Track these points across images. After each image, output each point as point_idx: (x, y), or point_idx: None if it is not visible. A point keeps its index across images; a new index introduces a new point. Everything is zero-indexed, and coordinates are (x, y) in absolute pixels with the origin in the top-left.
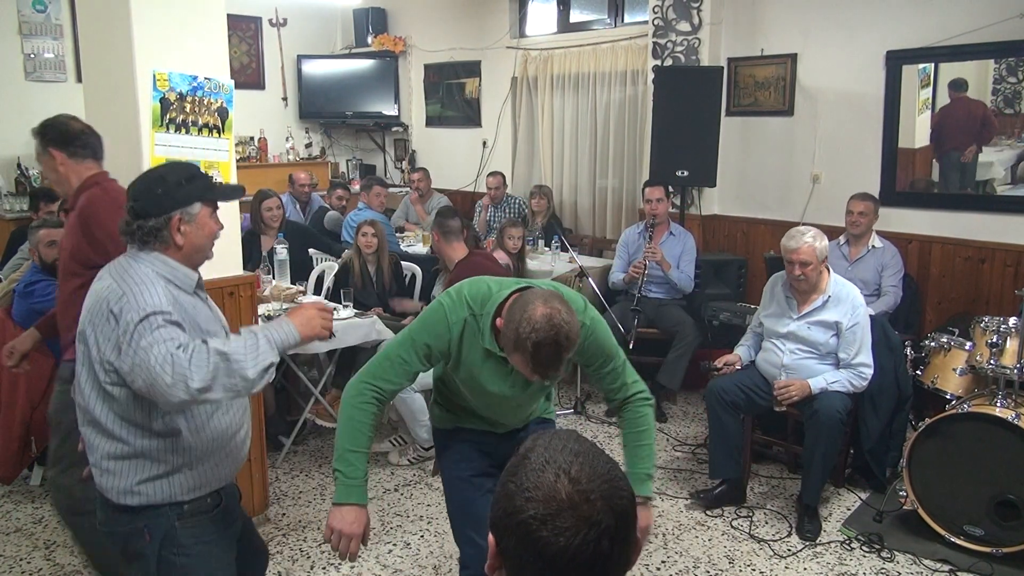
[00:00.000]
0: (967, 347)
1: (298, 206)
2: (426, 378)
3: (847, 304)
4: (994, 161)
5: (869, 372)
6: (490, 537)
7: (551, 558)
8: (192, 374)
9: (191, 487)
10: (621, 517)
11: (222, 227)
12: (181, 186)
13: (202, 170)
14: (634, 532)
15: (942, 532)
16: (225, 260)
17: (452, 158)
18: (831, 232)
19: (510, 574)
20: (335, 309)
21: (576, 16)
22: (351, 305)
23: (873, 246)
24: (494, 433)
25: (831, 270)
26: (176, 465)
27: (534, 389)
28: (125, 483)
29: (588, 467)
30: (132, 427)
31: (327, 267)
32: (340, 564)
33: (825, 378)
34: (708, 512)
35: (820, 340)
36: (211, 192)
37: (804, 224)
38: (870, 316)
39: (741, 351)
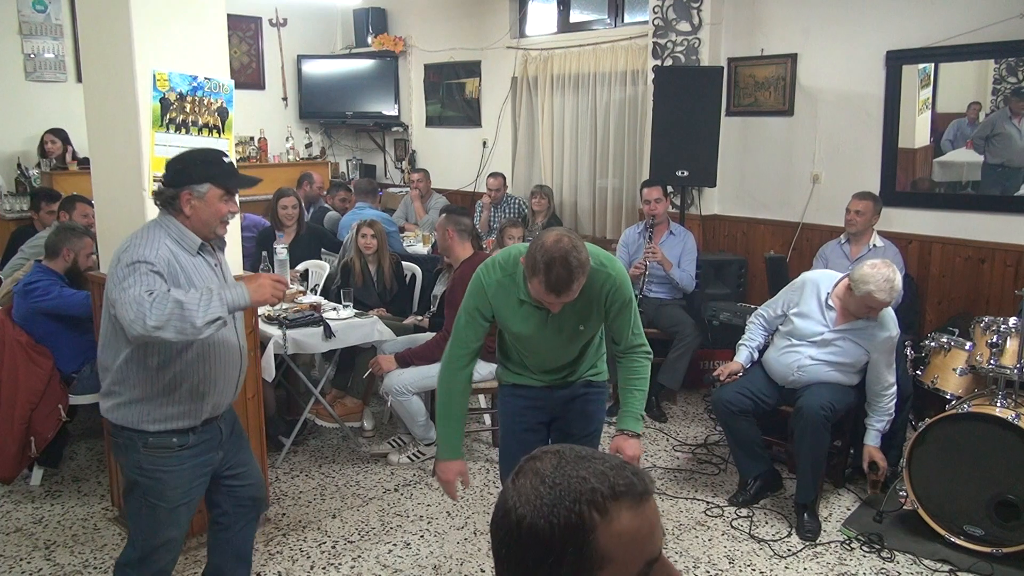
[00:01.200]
0: (967, 347)
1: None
2: (425, 380)
3: (886, 331)
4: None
5: (895, 391)
6: None
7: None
8: (150, 314)
9: (152, 420)
10: (521, 534)
11: (236, 211)
12: (197, 167)
13: (223, 158)
14: (528, 564)
15: (942, 532)
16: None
17: (452, 158)
18: (831, 232)
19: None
20: (291, 283)
21: (576, 16)
22: (351, 305)
23: (874, 245)
24: (547, 389)
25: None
26: (138, 397)
27: (568, 332)
28: (109, 403)
29: (561, 472)
30: (117, 356)
31: (311, 265)
32: (340, 564)
33: (878, 430)
34: (708, 512)
35: (851, 358)
36: (222, 177)
37: (807, 223)
38: None
39: (743, 356)
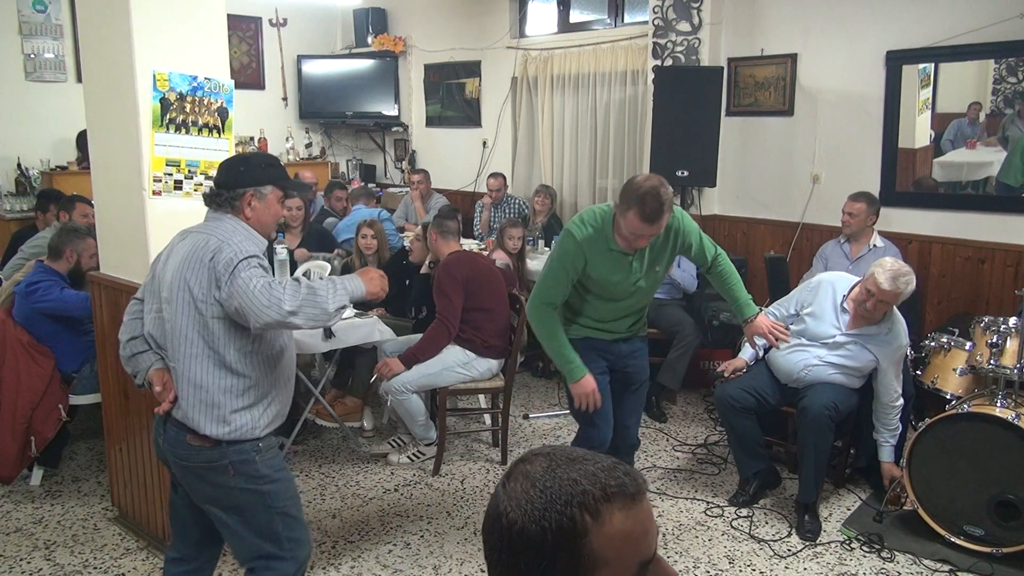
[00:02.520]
0: (967, 347)
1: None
2: (425, 379)
3: (897, 342)
4: (994, 161)
5: (902, 404)
6: None
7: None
8: (285, 300)
9: (267, 422)
10: (512, 539)
11: (287, 214)
12: (260, 169)
13: (280, 163)
14: (520, 568)
15: (942, 532)
16: None
17: (452, 158)
18: (831, 232)
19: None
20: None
21: (576, 16)
22: (351, 305)
23: (874, 245)
24: (613, 343)
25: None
26: (252, 400)
27: (646, 273)
28: (215, 416)
29: (551, 476)
30: (227, 358)
31: (313, 266)
32: (340, 564)
33: (892, 445)
34: (708, 512)
35: (859, 363)
36: (283, 180)
37: (808, 223)
38: None
39: (747, 352)
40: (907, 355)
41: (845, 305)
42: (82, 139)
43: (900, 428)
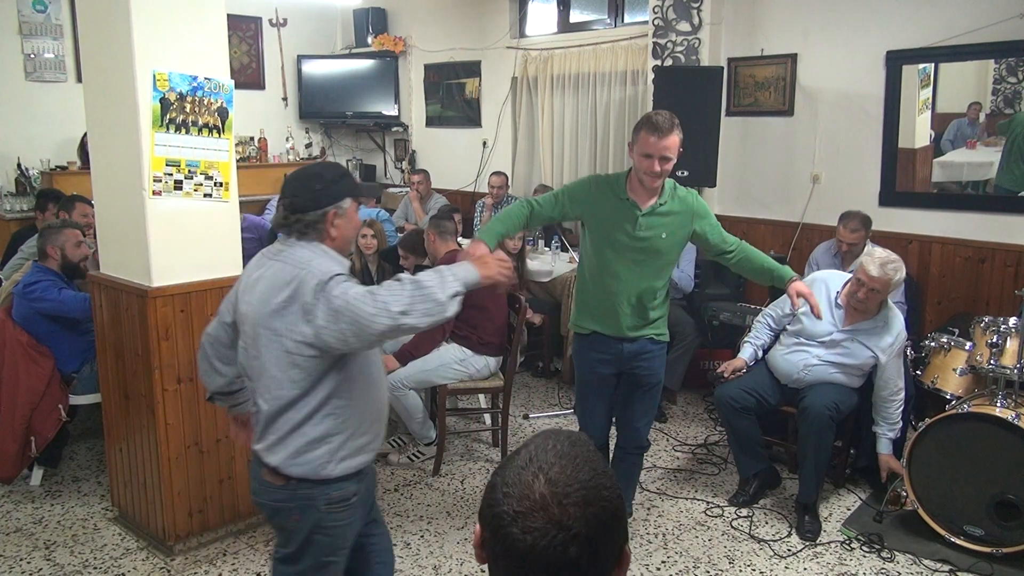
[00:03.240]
0: (967, 347)
1: None
2: (422, 375)
3: (892, 335)
4: (994, 161)
5: (903, 397)
6: (476, 526)
7: (518, 555)
8: (391, 301)
9: (339, 458)
10: (595, 526)
11: (361, 223)
12: (336, 183)
13: (348, 170)
14: (614, 544)
15: (942, 532)
16: (225, 260)
17: (452, 158)
18: (831, 232)
19: (488, 563)
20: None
21: (576, 16)
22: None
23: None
24: (618, 341)
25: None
26: (330, 429)
27: (652, 241)
28: (285, 451)
29: (570, 470)
30: (303, 386)
31: None
32: None
33: (890, 438)
34: (708, 512)
35: (858, 360)
36: (358, 189)
37: (808, 223)
38: None
39: (747, 353)
40: (907, 353)
41: (839, 301)
42: (84, 145)
43: (900, 422)
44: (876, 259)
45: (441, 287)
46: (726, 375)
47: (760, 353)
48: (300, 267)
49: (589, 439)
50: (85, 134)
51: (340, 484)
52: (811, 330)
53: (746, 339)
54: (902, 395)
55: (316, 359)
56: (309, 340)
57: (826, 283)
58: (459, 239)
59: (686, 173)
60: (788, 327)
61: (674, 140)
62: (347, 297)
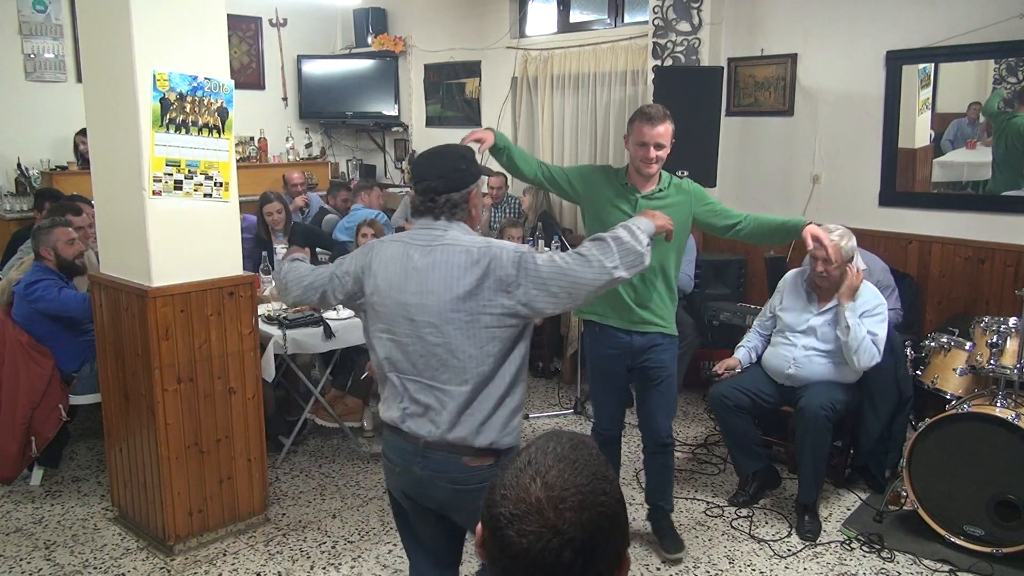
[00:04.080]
0: (967, 347)
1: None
2: None
3: (867, 304)
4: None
5: (876, 351)
6: (479, 525)
7: (512, 557)
8: (604, 258)
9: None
10: (591, 531)
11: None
12: (474, 162)
13: None
14: (612, 549)
15: (942, 532)
16: (225, 260)
17: None
18: None
19: (488, 563)
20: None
21: (576, 16)
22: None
23: (857, 270)
24: (627, 334)
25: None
26: (519, 400)
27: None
28: (502, 421)
29: (567, 474)
30: (510, 368)
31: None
32: (340, 564)
33: (861, 324)
34: (708, 512)
35: (840, 341)
36: (482, 169)
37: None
38: None
39: (741, 353)
40: (907, 353)
41: (809, 288)
42: (76, 144)
43: (869, 347)
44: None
45: (635, 239)
46: (720, 373)
47: (754, 355)
48: (481, 246)
49: (593, 442)
50: (77, 133)
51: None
52: (792, 322)
53: (740, 344)
54: (875, 360)
55: (511, 328)
56: (510, 311)
57: (795, 277)
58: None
59: (686, 173)
60: (774, 330)
61: (667, 128)
62: (556, 263)
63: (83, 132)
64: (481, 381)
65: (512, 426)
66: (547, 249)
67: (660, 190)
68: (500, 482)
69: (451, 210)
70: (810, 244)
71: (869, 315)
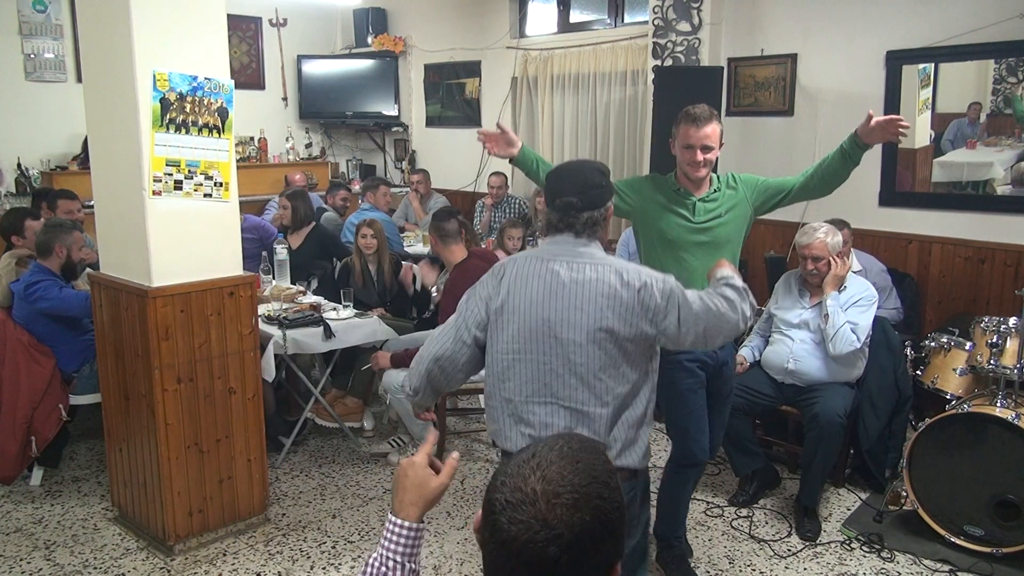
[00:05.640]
0: (967, 347)
1: None
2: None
3: (856, 296)
4: (994, 161)
5: (855, 339)
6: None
7: (500, 543)
8: (745, 306)
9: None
10: (580, 532)
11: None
12: (609, 180)
13: None
14: (602, 556)
15: (942, 532)
16: (225, 260)
17: (452, 158)
18: None
19: (481, 546)
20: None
21: (576, 16)
22: (352, 305)
23: (852, 271)
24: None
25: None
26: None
27: (711, 223)
28: (643, 444)
29: (567, 472)
30: (642, 388)
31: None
32: (340, 564)
33: (841, 312)
34: (708, 512)
35: None
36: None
37: (806, 223)
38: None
39: (745, 352)
40: (907, 354)
41: (801, 286)
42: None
43: (848, 335)
44: (803, 229)
45: (748, 293)
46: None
47: (757, 354)
48: (631, 271)
49: (604, 449)
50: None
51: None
52: (786, 319)
53: (743, 344)
54: (856, 345)
55: (645, 354)
56: (650, 339)
57: (787, 278)
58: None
59: None
60: (772, 331)
61: (714, 128)
62: (706, 303)
63: None
64: (619, 403)
65: (648, 448)
66: None
67: (715, 191)
68: (504, 469)
69: (592, 228)
70: (873, 121)
71: (854, 305)
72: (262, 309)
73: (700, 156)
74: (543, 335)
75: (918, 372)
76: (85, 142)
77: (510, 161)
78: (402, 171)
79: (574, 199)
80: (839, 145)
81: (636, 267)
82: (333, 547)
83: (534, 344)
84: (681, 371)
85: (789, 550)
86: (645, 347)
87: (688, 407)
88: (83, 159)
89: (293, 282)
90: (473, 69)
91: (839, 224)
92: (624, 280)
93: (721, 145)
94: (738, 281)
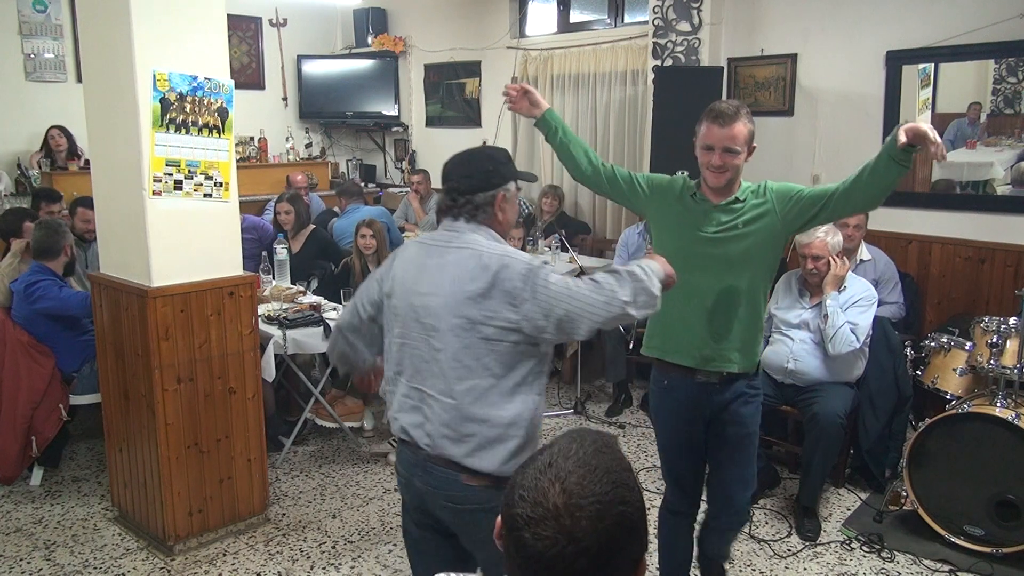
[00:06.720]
0: (967, 347)
1: None
2: None
3: (855, 296)
4: (994, 161)
5: (854, 339)
6: (499, 517)
7: (527, 559)
8: (618, 290)
9: (528, 451)
10: (607, 540)
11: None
12: (504, 165)
13: None
14: (628, 556)
15: (942, 532)
16: (225, 260)
17: None
18: None
19: (504, 556)
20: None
21: (576, 16)
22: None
23: (861, 260)
24: (703, 387)
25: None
26: (537, 426)
27: (728, 234)
28: (507, 452)
29: (587, 480)
30: (511, 385)
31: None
32: (340, 564)
33: (840, 312)
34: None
35: None
36: (520, 174)
37: None
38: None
39: None
40: (907, 354)
41: (801, 286)
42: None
43: (848, 336)
44: (805, 233)
45: (651, 281)
46: None
47: None
48: (497, 254)
49: (617, 445)
50: (49, 129)
51: None
52: (786, 319)
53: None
54: (855, 346)
55: (514, 345)
56: (514, 326)
57: (787, 279)
58: None
59: (686, 172)
60: (772, 330)
61: (741, 128)
62: (568, 286)
63: (58, 127)
64: (473, 397)
65: (519, 456)
66: (547, 249)
67: (737, 200)
68: (519, 481)
69: (472, 211)
70: (910, 131)
71: (854, 305)
72: (262, 309)
73: (719, 160)
74: (413, 320)
75: (918, 372)
76: (46, 138)
77: (535, 123)
78: (402, 171)
79: (457, 183)
80: (878, 155)
81: (504, 249)
82: (333, 547)
83: (409, 330)
84: (663, 401)
85: (789, 550)
86: (510, 337)
87: (665, 447)
88: (51, 161)
89: (293, 283)
90: (473, 69)
91: (840, 224)
92: (482, 263)
93: (752, 149)
94: (636, 269)
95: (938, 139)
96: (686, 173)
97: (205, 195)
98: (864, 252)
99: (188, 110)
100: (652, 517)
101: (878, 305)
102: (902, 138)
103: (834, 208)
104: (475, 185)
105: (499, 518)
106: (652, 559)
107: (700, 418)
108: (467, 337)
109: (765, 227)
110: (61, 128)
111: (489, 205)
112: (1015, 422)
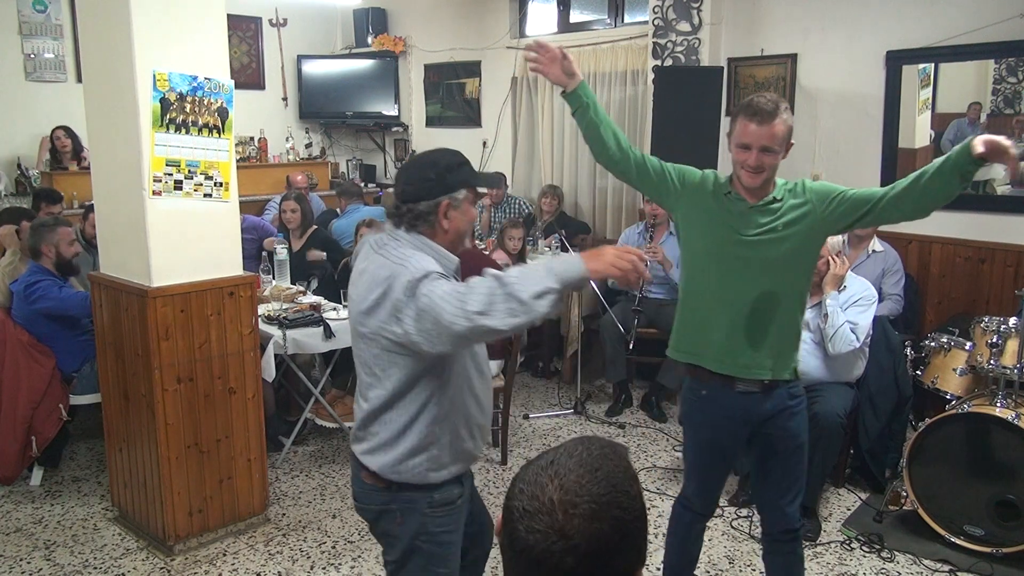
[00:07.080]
0: (967, 347)
1: None
2: None
3: (856, 295)
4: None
5: (854, 339)
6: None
7: (518, 552)
8: (469, 299)
9: (441, 465)
10: (598, 542)
11: (477, 215)
12: (451, 171)
13: (464, 157)
14: (620, 564)
15: (942, 532)
16: (225, 260)
17: None
18: None
19: (500, 550)
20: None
21: (576, 16)
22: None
23: (873, 250)
24: (735, 388)
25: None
26: (430, 439)
27: (765, 238)
28: (388, 457)
29: (586, 480)
30: (397, 392)
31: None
32: (340, 564)
33: (840, 311)
34: None
35: None
36: (475, 178)
37: None
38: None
39: None
40: (907, 354)
41: None
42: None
43: (847, 335)
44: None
45: (524, 284)
46: None
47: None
48: (398, 263)
49: (625, 454)
50: (54, 129)
51: (443, 488)
52: None
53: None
54: (852, 347)
55: (411, 358)
56: (400, 339)
57: None
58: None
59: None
60: None
61: (779, 126)
62: (432, 296)
63: (63, 128)
64: (379, 405)
65: (410, 465)
66: (547, 249)
67: (775, 200)
68: (522, 476)
69: (412, 220)
70: (981, 150)
71: (854, 304)
72: (262, 309)
73: (755, 159)
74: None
75: (918, 372)
76: (52, 137)
77: (562, 94)
78: None
79: (402, 188)
80: (945, 159)
81: (406, 260)
82: (333, 547)
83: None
84: (695, 412)
85: None
86: (404, 350)
87: (695, 453)
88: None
89: (293, 283)
90: (473, 69)
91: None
92: (386, 274)
93: (790, 146)
94: (515, 271)
95: (1004, 143)
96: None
97: (205, 195)
98: (876, 244)
99: (188, 110)
100: (652, 517)
101: (880, 295)
102: (979, 148)
103: (880, 212)
104: (416, 193)
105: (500, 513)
106: (655, 558)
107: (742, 430)
108: (373, 347)
109: (806, 229)
110: (66, 129)
111: (432, 214)
112: (1015, 422)
